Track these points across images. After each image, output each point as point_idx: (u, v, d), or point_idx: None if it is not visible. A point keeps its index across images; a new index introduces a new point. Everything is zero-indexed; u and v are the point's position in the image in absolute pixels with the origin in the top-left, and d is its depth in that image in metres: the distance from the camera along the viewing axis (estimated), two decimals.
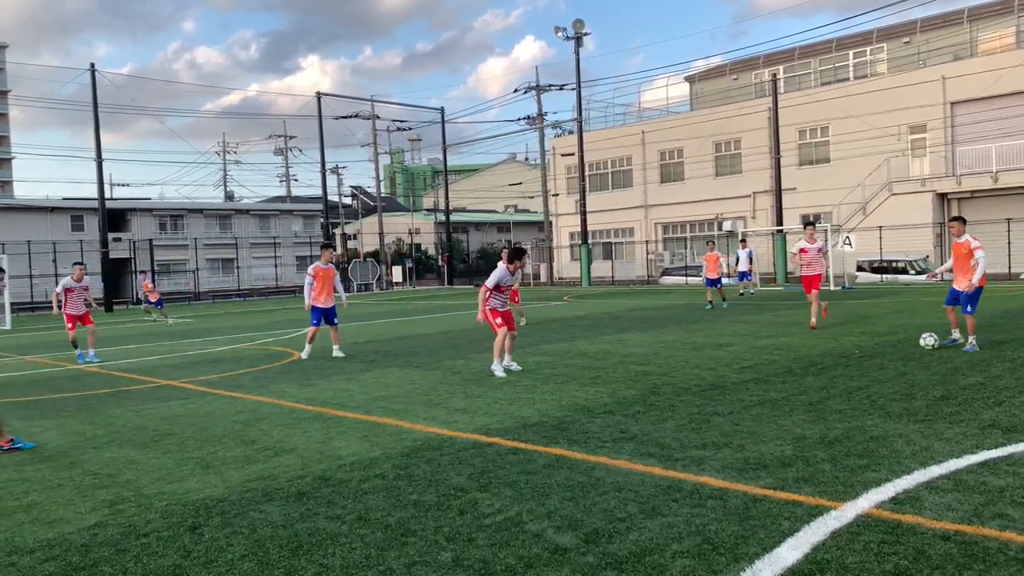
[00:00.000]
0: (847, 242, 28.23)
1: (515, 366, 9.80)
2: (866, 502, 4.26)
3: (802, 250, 13.82)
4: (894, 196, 33.41)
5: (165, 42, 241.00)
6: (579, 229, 41.47)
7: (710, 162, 41.36)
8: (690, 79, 47.74)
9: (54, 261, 42.50)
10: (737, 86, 44.40)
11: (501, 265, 9.78)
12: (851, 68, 40.72)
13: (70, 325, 14.02)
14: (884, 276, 30.66)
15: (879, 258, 31.31)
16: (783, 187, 35.25)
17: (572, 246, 44.46)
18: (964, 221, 10.09)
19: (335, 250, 12.58)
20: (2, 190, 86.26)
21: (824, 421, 6.31)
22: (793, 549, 3.65)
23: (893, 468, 4.89)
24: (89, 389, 10.20)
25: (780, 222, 34.64)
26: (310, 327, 12.64)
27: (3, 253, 30.82)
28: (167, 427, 7.35)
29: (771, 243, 34.24)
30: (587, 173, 43.64)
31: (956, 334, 10.37)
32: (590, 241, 42.31)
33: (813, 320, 13.48)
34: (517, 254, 9.71)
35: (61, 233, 46.91)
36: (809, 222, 15.51)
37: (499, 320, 9.54)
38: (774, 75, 37.66)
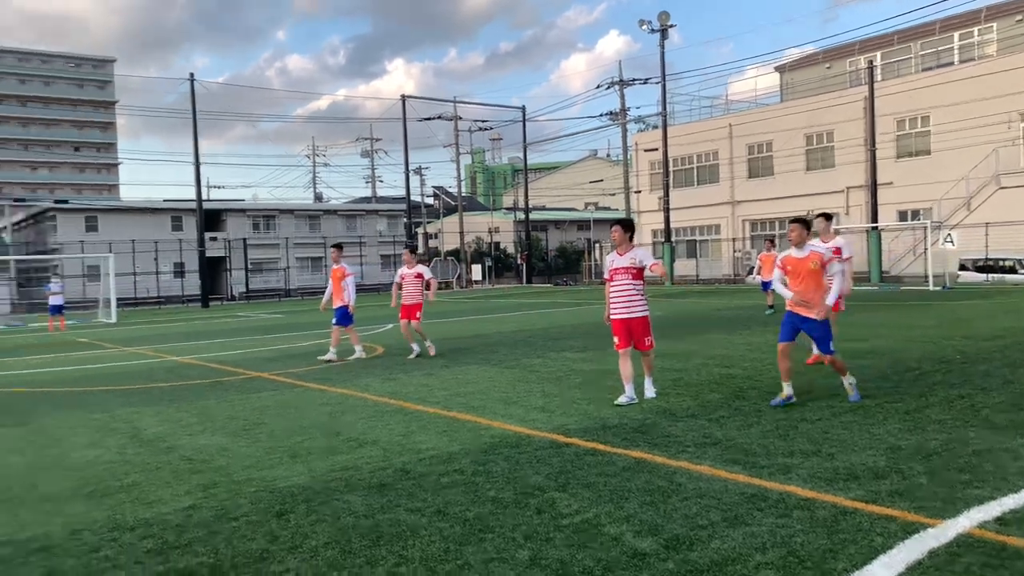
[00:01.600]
0: (948, 239, 26.70)
1: (651, 392, 7.68)
2: (968, 521, 3.99)
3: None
4: (1002, 190, 31.29)
5: (258, 52, 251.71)
6: (662, 226, 40.78)
7: (801, 156, 39.85)
8: (780, 69, 46.17)
9: (155, 259, 45.09)
10: (830, 75, 42.62)
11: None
12: (956, 51, 38.37)
13: None
14: (989, 275, 28.79)
15: (984, 256, 29.44)
16: (879, 182, 33.61)
17: (655, 244, 43.70)
18: (807, 224, 7.23)
19: (342, 249, 12.55)
20: (109, 193, 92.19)
21: (922, 431, 5.96)
22: (886, 567, 3.47)
23: (998, 485, 4.57)
24: (185, 380, 10.76)
25: (875, 219, 33.05)
26: None
27: (110, 252, 32.93)
28: (257, 417, 7.67)
29: (865, 241, 32.71)
30: (671, 168, 42.85)
31: (789, 389, 7.09)
32: (673, 239, 41.55)
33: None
34: (618, 224, 7.40)
35: (162, 232, 49.70)
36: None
37: (616, 339, 7.48)
38: (870, 62, 35.90)
